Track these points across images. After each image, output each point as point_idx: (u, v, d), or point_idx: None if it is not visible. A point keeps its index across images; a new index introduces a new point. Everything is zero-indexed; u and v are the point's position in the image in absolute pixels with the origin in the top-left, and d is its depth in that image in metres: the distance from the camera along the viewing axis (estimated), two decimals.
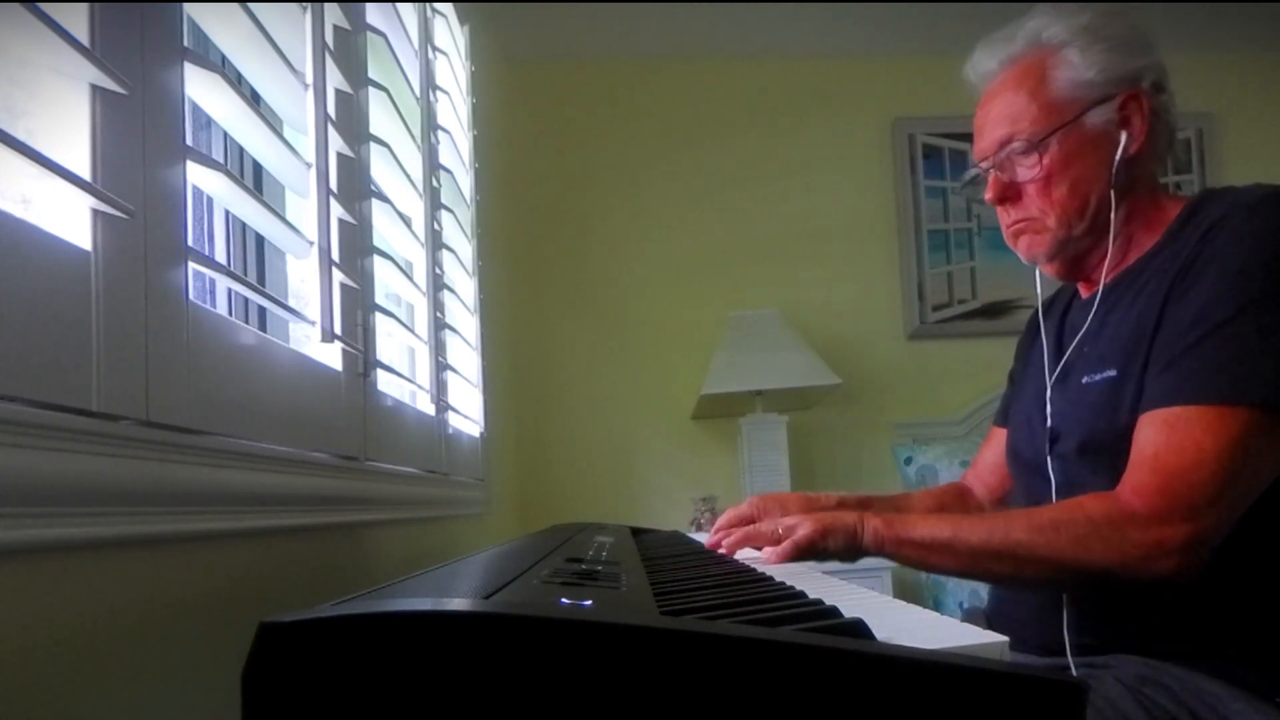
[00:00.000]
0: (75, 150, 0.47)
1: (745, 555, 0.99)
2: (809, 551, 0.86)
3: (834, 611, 0.44)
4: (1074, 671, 0.88)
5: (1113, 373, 0.88)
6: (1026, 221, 0.97)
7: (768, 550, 0.87)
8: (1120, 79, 0.93)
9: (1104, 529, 0.78)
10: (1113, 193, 0.93)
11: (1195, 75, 3.06)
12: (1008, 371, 1.23)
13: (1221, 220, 0.84)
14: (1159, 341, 0.84)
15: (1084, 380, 0.92)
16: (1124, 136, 0.92)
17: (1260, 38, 2.98)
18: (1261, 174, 3.11)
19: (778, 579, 0.65)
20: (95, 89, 0.48)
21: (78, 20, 0.47)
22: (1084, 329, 0.97)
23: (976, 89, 1.03)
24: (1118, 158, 0.92)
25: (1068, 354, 0.99)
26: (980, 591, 2.22)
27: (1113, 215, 0.93)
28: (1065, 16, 0.96)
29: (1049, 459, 0.97)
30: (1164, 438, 0.79)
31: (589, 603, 0.40)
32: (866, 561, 0.91)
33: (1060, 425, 0.96)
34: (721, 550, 0.91)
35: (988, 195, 0.99)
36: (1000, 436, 1.20)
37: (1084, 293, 1.01)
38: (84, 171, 0.47)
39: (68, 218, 0.47)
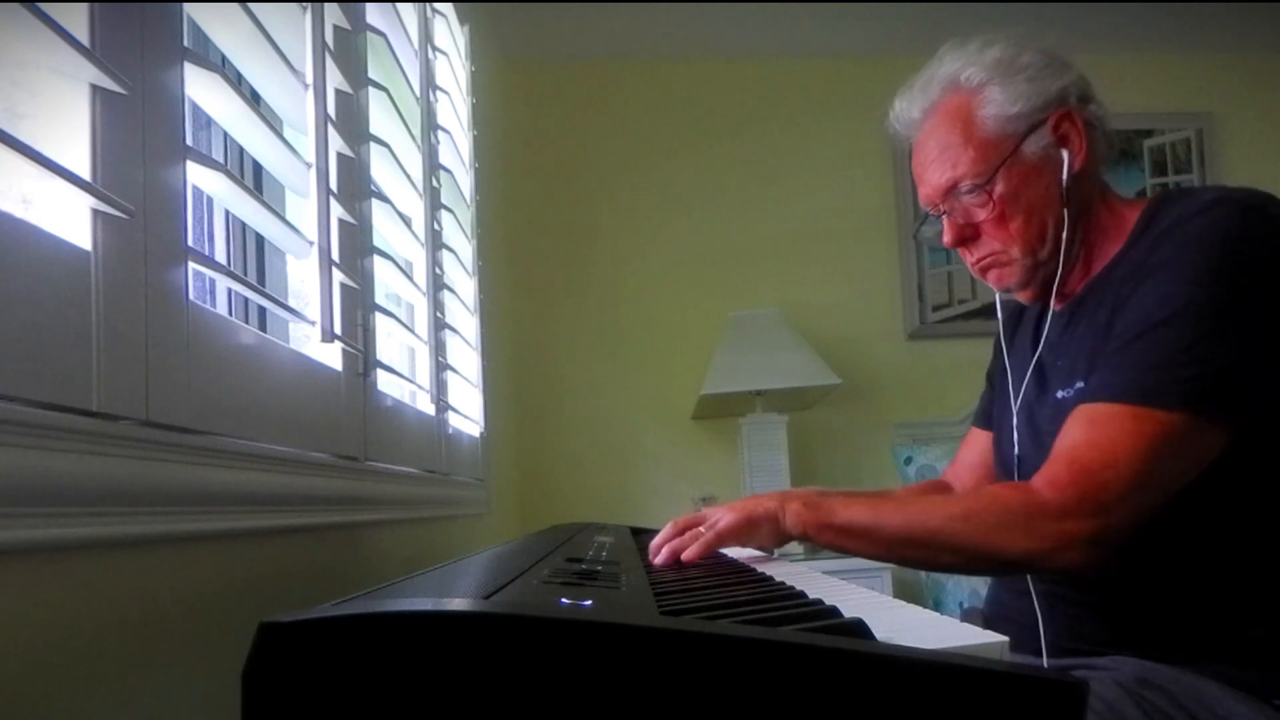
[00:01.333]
0: (75, 150, 0.47)
1: (744, 555, 0.99)
2: (733, 540, 0.87)
3: (834, 611, 0.44)
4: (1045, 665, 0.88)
5: (1081, 385, 0.89)
6: (991, 257, 0.98)
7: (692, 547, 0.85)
8: (1046, 104, 0.93)
9: (1015, 519, 0.79)
10: (1066, 212, 0.93)
11: (1195, 75, 3.06)
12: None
13: (1171, 228, 0.85)
14: (1106, 346, 0.85)
15: (1059, 395, 0.93)
16: (1065, 155, 0.93)
17: (1260, 38, 2.98)
18: (1262, 174, 3.11)
19: (778, 579, 0.65)
20: (95, 89, 0.48)
21: (78, 20, 0.47)
22: (1055, 341, 0.98)
23: (904, 139, 1.05)
24: (1064, 177, 0.93)
25: (1032, 363, 1.00)
26: (980, 590, 2.22)
27: (1065, 234, 0.94)
28: (975, 54, 0.96)
29: (1017, 474, 0.99)
30: (1083, 433, 0.80)
31: (589, 603, 0.40)
32: (867, 561, 0.90)
33: (1045, 440, 0.95)
34: (656, 562, 0.86)
35: (946, 240, 1.00)
36: (979, 438, 1.21)
37: (1056, 305, 1.01)
38: (84, 171, 0.47)
39: (68, 218, 0.47)
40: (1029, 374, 1.01)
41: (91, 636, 0.46)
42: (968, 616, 1.14)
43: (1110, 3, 2.67)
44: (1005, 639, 0.40)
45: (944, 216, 0.99)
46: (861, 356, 2.83)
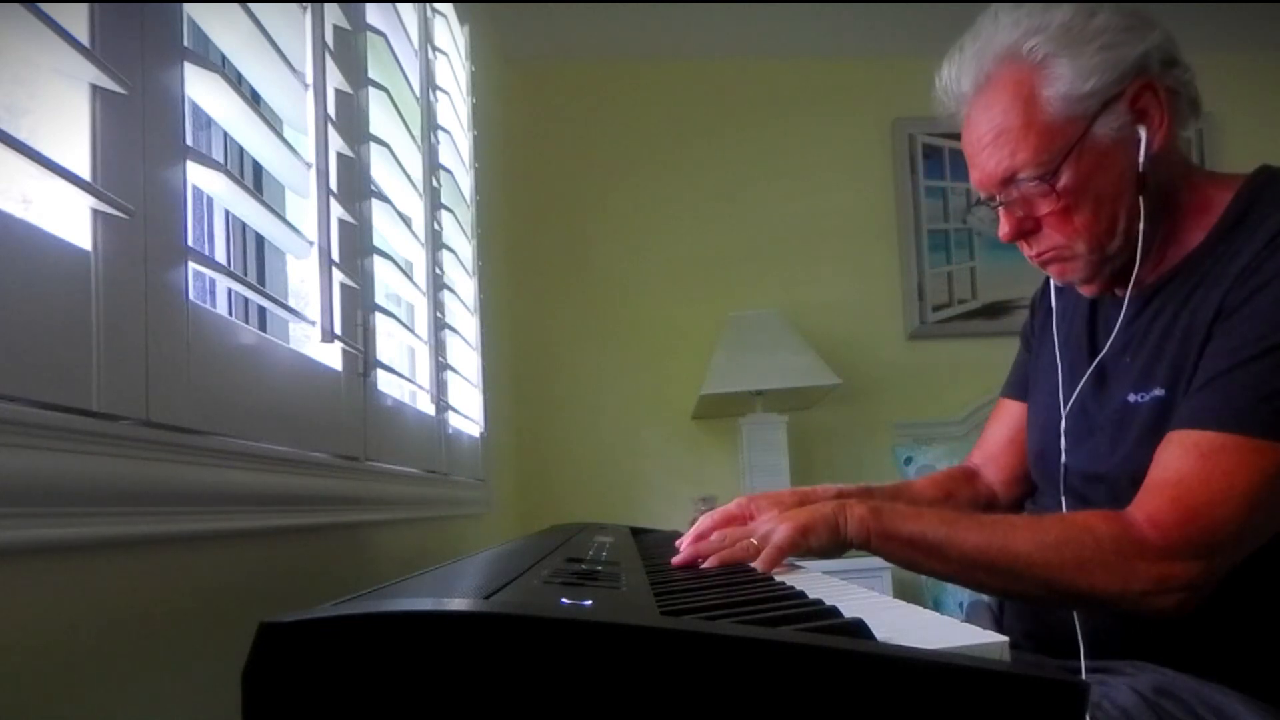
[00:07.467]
0: (75, 150, 0.47)
1: None
2: (791, 552, 0.79)
3: (834, 611, 0.44)
4: (1084, 675, 0.85)
5: (1160, 392, 0.80)
6: (1053, 251, 0.87)
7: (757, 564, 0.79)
8: (1123, 75, 0.80)
9: (1111, 556, 0.72)
10: (1142, 199, 0.81)
11: (1196, 75, 3.06)
12: (1021, 331, 1.11)
13: None
14: (1203, 359, 0.76)
15: (1130, 398, 0.83)
16: (1143, 133, 0.81)
17: (1261, 38, 2.98)
18: None
19: (778, 579, 0.65)
20: (95, 89, 0.48)
21: (78, 20, 0.47)
22: (1122, 334, 0.88)
23: (950, 112, 0.92)
24: (1141, 160, 0.80)
25: (1086, 354, 0.92)
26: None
27: (1141, 224, 0.82)
28: (1039, 18, 0.83)
29: (1063, 483, 0.91)
30: (1192, 464, 0.73)
31: (589, 603, 0.40)
32: (867, 561, 0.89)
33: (1098, 441, 0.88)
34: (703, 565, 0.79)
35: (1003, 234, 0.88)
36: (1011, 410, 1.09)
37: (1122, 293, 0.89)
38: (84, 171, 0.47)
39: (68, 218, 0.46)
40: (1086, 364, 0.91)
41: (91, 636, 0.46)
42: (972, 611, 1.09)
43: (1110, 3, 2.67)
44: (1005, 639, 0.40)
45: (999, 207, 0.87)
46: (861, 356, 2.83)
